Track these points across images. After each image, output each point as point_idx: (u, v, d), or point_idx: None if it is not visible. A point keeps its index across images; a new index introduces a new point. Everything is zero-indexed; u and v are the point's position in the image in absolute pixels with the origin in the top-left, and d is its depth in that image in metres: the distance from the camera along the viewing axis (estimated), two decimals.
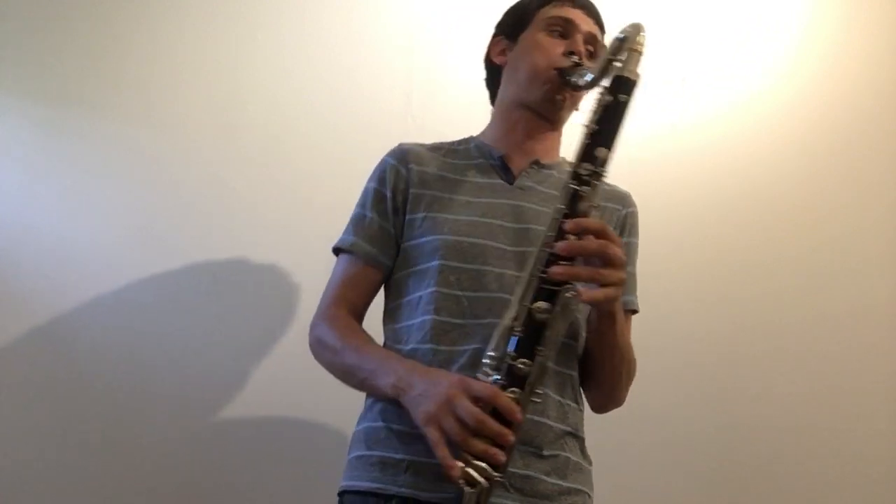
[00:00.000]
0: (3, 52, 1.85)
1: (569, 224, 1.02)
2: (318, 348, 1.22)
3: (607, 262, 1.02)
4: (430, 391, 1.01)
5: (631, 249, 1.31)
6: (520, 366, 0.98)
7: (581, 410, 1.22)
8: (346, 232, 1.28)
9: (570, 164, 1.33)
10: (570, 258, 1.01)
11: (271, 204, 1.87)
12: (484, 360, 1.02)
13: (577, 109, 1.35)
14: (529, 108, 1.29)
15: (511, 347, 1.00)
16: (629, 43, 1.09)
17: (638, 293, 1.34)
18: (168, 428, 1.73)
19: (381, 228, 1.25)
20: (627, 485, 1.83)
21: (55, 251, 1.78)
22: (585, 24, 1.30)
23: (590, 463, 1.22)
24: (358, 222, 1.27)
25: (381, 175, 1.28)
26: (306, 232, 1.83)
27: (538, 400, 1.02)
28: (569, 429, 1.16)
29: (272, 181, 1.88)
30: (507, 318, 1.01)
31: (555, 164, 1.32)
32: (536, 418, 1.10)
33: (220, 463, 1.74)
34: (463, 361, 1.11)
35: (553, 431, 1.13)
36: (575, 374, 1.20)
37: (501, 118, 1.33)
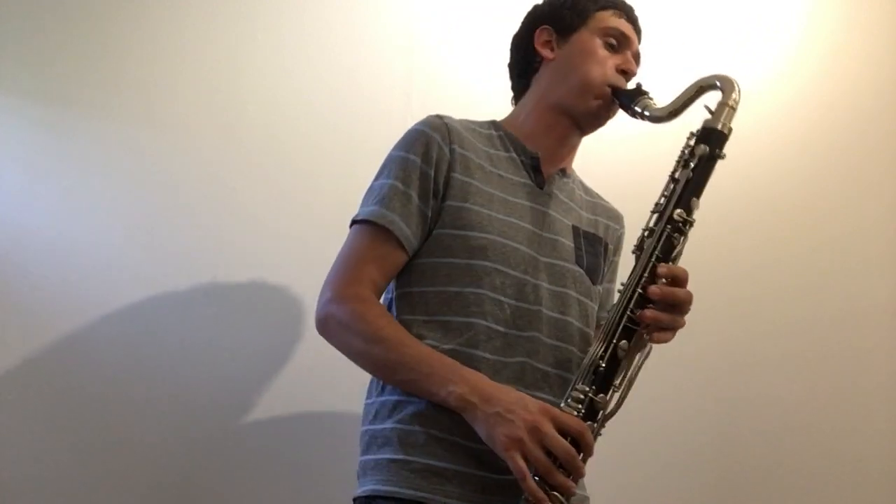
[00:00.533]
0: (3, 52, 1.85)
1: (663, 269, 1.05)
2: (338, 330, 1.11)
3: (681, 310, 1.07)
4: (511, 413, 0.97)
5: (615, 268, 1.37)
6: (599, 400, 1.01)
7: None
8: (377, 202, 1.14)
9: (597, 195, 1.38)
10: (652, 300, 1.05)
11: (271, 204, 1.87)
12: (572, 393, 1.03)
13: None
14: (572, 115, 1.26)
15: (589, 381, 1.03)
16: (724, 98, 1.14)
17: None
18: (168, 428, 1.73)
19: (419, 210, 1.13)
20: (628, 486, 1.83)
21: (55, 251, 1.78)
22: (636, 42, 1.31)
23: None
24: (394, 197, 1.13)
25: (425, 150, 1.15)
26: (306, 232, 1.83)
27: (600, 434, 1.05)
28: None
29: (272, 181, 1.88)
30: (593, 352, 1.03)
31: (572, 175, 1.34)
32: None
33: (220, 464, 1.74)
34: (507, 374, 1.09)
35: None
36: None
37: (538, 116, 1.28)
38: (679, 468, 1.86)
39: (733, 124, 1.17)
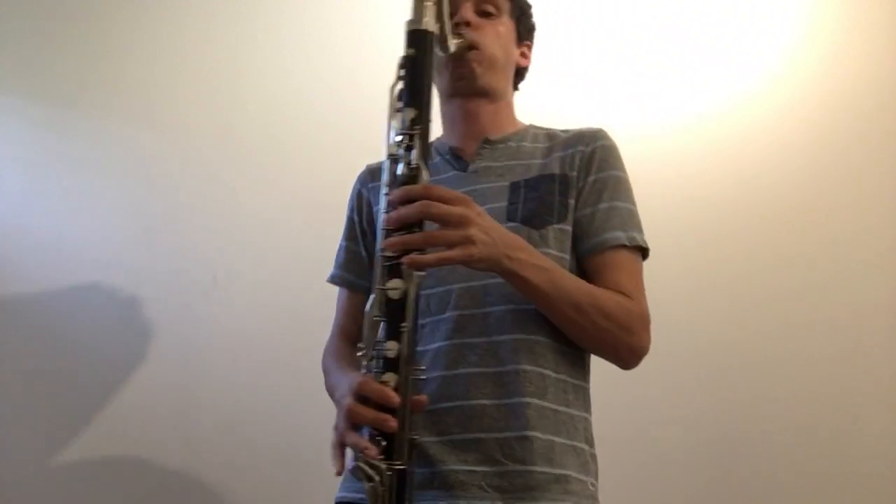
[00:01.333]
0: (3, 52, 1.85)
1: (391, 195, 0.98)
2: (324, 376, 1.24)
3: (441, 222, 0.96)
4: (339, 401, 1.02)
5: (608, 183, 1.18)
6: (388, 349, 0.95)
7: (572, 381, 1.12)
8: (333, 266, 1.31)
9: (562, 131, 1.25)
10: (406, 230, 0.96)
11: (271, 204, 1.87)
12: (358, 355, 0.99)
13: (523, 65, 1.31)
14: (450, 94, 1.25)
15: (382, 334, 0.97)
16: None
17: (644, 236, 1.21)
18: (168, 428, 1.73)
19: (352, 253, 1.27)
20: (628, 486, 1.83)
21: (55, 251, 1.78)
22: None
23: (588, 443, 1.12)
24: (338, 253, 1.30)
25: (350, 202, 1.30)
26: (306, 232, 1.83)
27: (423, 377, 0.99)
28: (552, 405, 1.08)
29: (272, 181, 1.88)
30: (368, 307, 0.98)
31: (510, 135, 1.26)
32: (508, 401, 1.05)
33: (221, 464, 1.74)
34: (437, 360, 1.09)
35: (532, 408, 1.05)
36: (548, 339, 1.10)
37: (441, 114, 1.28)
38: (680, 469, 1.86)
39: None
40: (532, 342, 1.09)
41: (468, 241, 0.96)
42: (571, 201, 1.16)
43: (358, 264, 1.27)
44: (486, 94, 1.25)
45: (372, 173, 1.29)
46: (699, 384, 1.90)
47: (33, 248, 1.78)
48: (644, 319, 1.14)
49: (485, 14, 1.23)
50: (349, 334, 1.26)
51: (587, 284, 1.10)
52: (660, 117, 2.02)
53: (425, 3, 1.03)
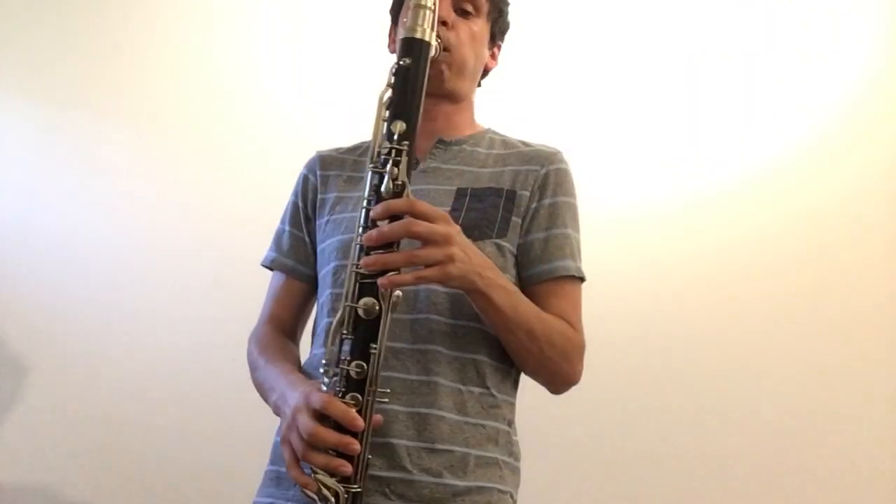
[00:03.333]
0: (3, 52, 1.85)
1: (373, 211, 0.93)
2: (249, 367, 1.21)
3: (423, 241, 0.93)
4: (286, 408, 0.98)
5: (560, 209, 1.16)
6: (355, 369, 0.92)
7: (498, 396, 1.10)
8: (269, 248, 1.26)
9: (521, 143, 1.21)
10: (385, 247, 0.93)
11: (271, 204, 1.86)
12: (320, 370, 0.95)
13: (491, 67, 1.27)
14: None
15: (346, 352, 0.93)
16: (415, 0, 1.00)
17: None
18: (167, 427, 1.73)
19: (295, 239, 1.23)
20: (625, 487, 1.83)
21: (55, 251, 1.78)
22: None
23: (511, 456, 1.11)
24: (276, 237, 1.26)
25: (295, 187, 1.28)
26: None
27: (385, 400, 0.95)
28: (470, 419, 1.06)
29: (272, 181, 1.88)
30: (335, 322, 0.94)
31: (466, 138, 1.23)
32: (424, 410, 1.03)
33: (219, 463, 1.74)
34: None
35: (447, 423, 1.03)
36: (482, 357, 1.08)
37: None
38: (678, 468, 1.86)
39: None
40: (458, 357, 1.07)
41: (449, 259, 0.94)
42: (516, 219, 1.14)
43: (300, 251, 1.22)
44: (449, 97, 1.22)
45: (322, 161, 1.27)
46: (698, 384, 1.90)
47: (33, 248, 1.78)
48: (582, 351, 1.13)
49: (462, 12, 1.19)
50: (280, 323, 1.22)
51: (539, 311, 1.09)
52: (660, 117, 2.02)
53: (423, 11, 1.00)
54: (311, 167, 1.28)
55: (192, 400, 1.76)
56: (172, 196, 1.85)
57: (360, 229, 0.95)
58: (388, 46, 1.33)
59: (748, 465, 1.88)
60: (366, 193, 0.97)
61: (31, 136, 1.83)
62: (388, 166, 0.95)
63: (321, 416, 0.92)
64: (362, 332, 0.93)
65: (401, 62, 0.99)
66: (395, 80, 0.99)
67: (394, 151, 0.96)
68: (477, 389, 1.08)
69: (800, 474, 1.87)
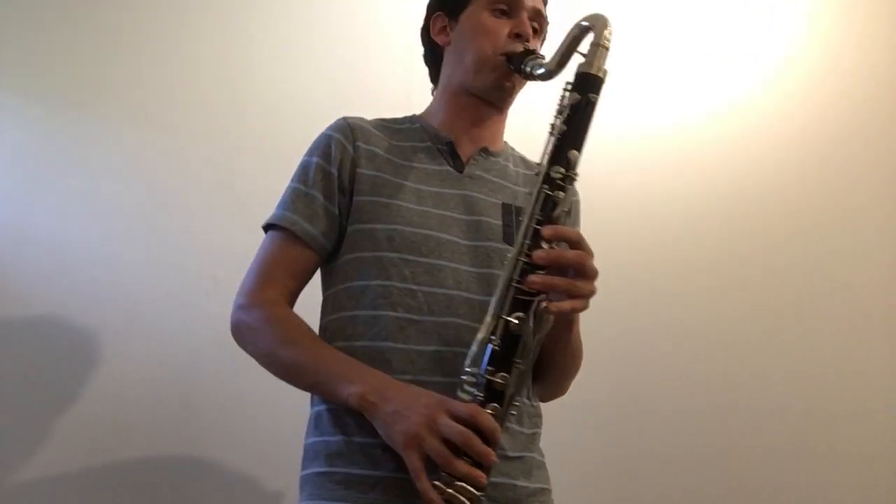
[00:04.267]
0: (3, 52, 1.85)
1: (547, 231, 0.97)
2: (248, 335, 1.14)
3: (582, 273, 0.97)
4: (408, 409, 0.95)
5: None
6: (498, 381, 0.95)
7: (537, 406, 1.18)
8: (282, 206, 1.18)
9: (537, 164, 1.23)
10: (544, 267, 0.97)
11: (271, 204, 1.86)
12: (462, 377, 0.97)
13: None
14: (476, 94, 1.22)
15: (487, 361, 0.95)
16: (596, 38, 1.04)
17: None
18: (167, 427, 1.73)
19: (325, 209, 1.15)
20: (625, 481, 1.83)
21: (55, 251, 1.78)
22: (528, 0, 1.21)
23: (542, 456, 1.18)
24: (298, 199, 1.16)
25: (325, 150, 1.18)
26: None
27: (515, 413, 0.99)
28: (525, 429, 1.12)
29: (272, 181, 1.87)
30: (483, 330, 0.96)
31: (501, 152, 1.26)
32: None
33: (219, 463, 1.74)
34: (422, 363, 1.05)
35: (510, 433, 1.07)
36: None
37: (447, 102, 1.26)
38: (678, 467, 1.86)
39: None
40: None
41: (592, 295, 0.99)
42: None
43: (329, 222, 1.15)
44: (504, 109, 1.27)
45: (359, 131, 1.20)
46: (698, 383, 1.91)
47: (32, 248, 1.77)
48: None
49: (534, 30, 1.23)
50: (287, 293, 1.14)
51: (579, 333, 1.16)
52: (659, 119, 2.02)
53: (603, 52, 1.05)
54: (344, 133, 1.19)
55: (192, 399, 1.75)
56: (172, 196, 1.85)
57: (525, 246, 0.98)
58: (436, 36, 1.28)
59: (749, 464, 1.88)
60: (535, 211, 0.99)
61: (28, 136, 1.83)
62: (561, 192, 1.00)
63: (462, 424, 0.93)
64: (509, 344, 0.96)
65: (590, 96, 1.03)
66: (574, 110, 1.03)
67: (568, 179, 1.01)
68: (527, 401, 1.14)
69: (800, 473, 1.87)
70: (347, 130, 1.19)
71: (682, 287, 1.95)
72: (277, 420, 1.76)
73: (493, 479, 1.02)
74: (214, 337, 1.79)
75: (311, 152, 1.20)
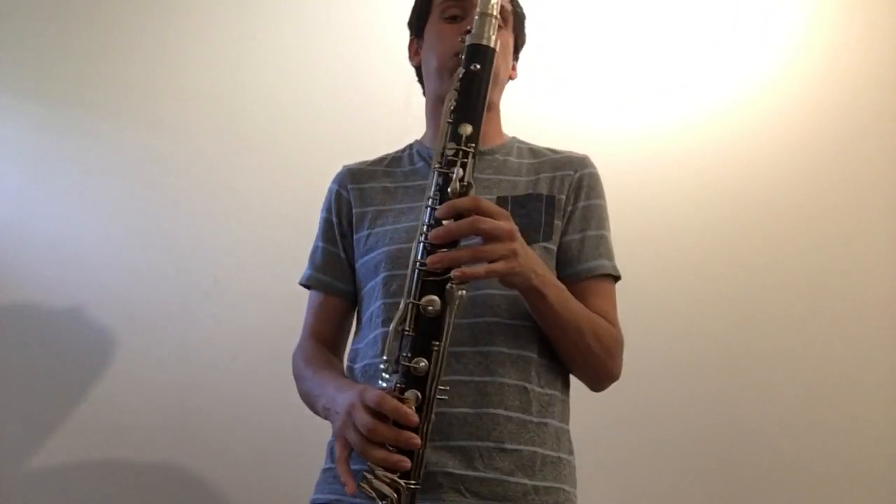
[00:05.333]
0: (3, 52, 1.85)
1: (439, 210, 0.96)
2: (295, 379, 1.24)
3: (488, 237, 0.95)
4: (340, 407, 0.99)
5: (593, 211, 1.22)
6: (414, 366, 0.93)
7: (555, 394, 1.14)
8: (306, 267, 1.29)
9: (549, 150, 1.26)
10: (449, 245, 0.95)
11: (271, 204, 1.87)
12: (380, 367, 0.97)
13: (513, 78, 1.31)
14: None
15: (406, 348, 0.95)
16: (482, 7, 1.03)
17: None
18: (167, 427, 1.73)
19: (330, 255, 1.26)
20: (626, 483, 1.83)
21: (55, 251, 1.78)
22: None
23: (571, 454, 1.15)
24: (312, 255, 1.29)
25: (327, 203, 1.29)
26: (306, 232, 1.82)
27: (444, 397, 0.96)
28: (534, 418, 1.09)
29: (272, 181, 1.88)
30: (396, 319, 0.96)
31: (499, 147, 1.27)
32: (492, 410, 1.06)
33: (219, 463, 1.74)
34: None
35: (513, 422, 1.07)
36: (534, 355, 1.12)
37: (431, 116, 1.29)
38: (678, 466, 1.86)
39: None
40: (518, 356, 1.11)
41: (513, 254, 0.97)
42: (558, 222, 1.19)
43: (336, 267, 1.25)
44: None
45: (353, 174, 1.28)
46: (697, 382, 1.90)
47: (33, 248, 1.77)
48: (622, 346, 1.18)
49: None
50: (322, 338, 1.25)
51: (586, 309, 1.13)
52: (658, 119, 2.02)
53: (489, 19, 1.03)
54: (341, 182, 1.29)
55: (192, 399, 1.75)
56: (172, 196, 1.85)
57: (425, 228, 0.97)
58: (411, 59, 1.34)
59: (747, 462, 1.88)
60: (430, 193, 0.99)
61: (29, 136, 1.83)
62: (455, 167, 0.97)
63: (376, 414, 0.93)
64: (424, 329, 0.95)
65: (471, 67, 1.01)
66: (462, 84, 1.01)
67: (460, 153, 0.98)
68: (538, 388, 1.11)
69: (800, 474, 1.87)
70: (344, 178, 1.29)
71: (682, 287, 1.95)
72: (276, 420, 1.76)
73: (479, 473, 1.04)
74: (214, 337, 1.79)
75: (322, 208, 1.31)
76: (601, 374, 1.16)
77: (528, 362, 1.11)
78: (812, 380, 1.91)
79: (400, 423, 0.92)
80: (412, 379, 0.94)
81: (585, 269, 1.17)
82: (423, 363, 0.93)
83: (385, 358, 0.96)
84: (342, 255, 1.25)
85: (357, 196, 1.25)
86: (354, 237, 1.23)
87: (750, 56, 2.07)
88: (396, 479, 0.91)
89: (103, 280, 1.78)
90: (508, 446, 1.06)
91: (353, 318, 1.28)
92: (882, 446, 1.89)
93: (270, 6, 1.96)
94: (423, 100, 1.34)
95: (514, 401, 1.08)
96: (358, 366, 1.17)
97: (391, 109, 1.90)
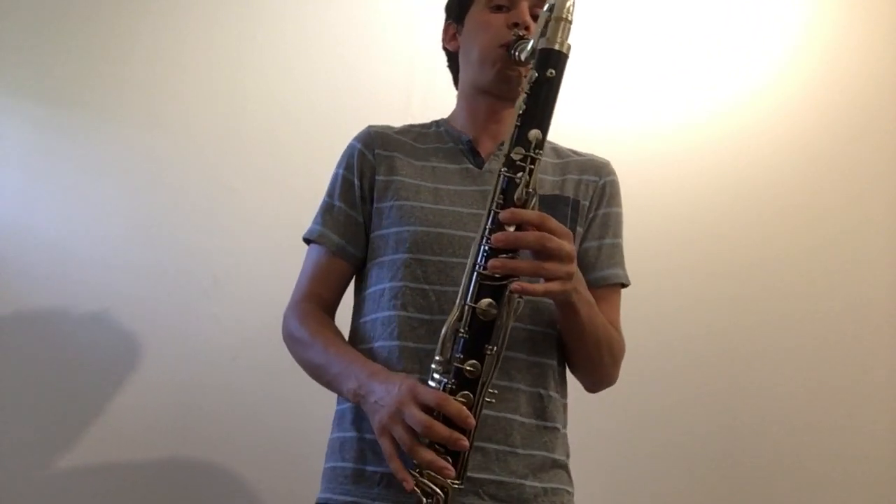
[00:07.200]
0: (3, 52, 1.85)
1: (504, 214, 0.95)
2: (290, 342, 1.19)
3: (549, 255, 0.96)
4: (383, 399, 0.97)
5: (612, 219, 1.24)
6: (468, 368, 0.94)
7: (564, 400, 1.17)
8: (314, 221, 1.23)
9: (571, 152, 1.26)
10: (509, 251, 0.95)
11: (271, 204, 1.87)
12: (431, 366, 0.97)
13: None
14: (487, 91, 1.22)
15: (458, 349, 0.95)
16: (556, 12, 1.02)
17: (629, 270, 1.24)
18: (167, 427, 1.73)
19: (348, 217, 1.20)
20: (626, 483, 1.83)
21: (55, 251, 1.78)
22: None
23: (569, 458, 1.17)
24: (326, 211, 1.22)
25: (348, 161, 1.23)
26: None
27: (492, 400, 0.97)
28: (547, 423, 1.11)
29: (272, 181, 1.88)
30: (451, 319, 0.96)
31: None
32: (508, 415, 1.07)
33: (219, 463, 1.74)
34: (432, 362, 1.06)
35: (526, 427, 1.08)
36: (555, 362, 1.14)
37: (465, 103, 1.28)
38: (678, 466, 1.86)
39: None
40: (536, 363, 1.12)
41: (569, 277, 0.98)
42: (580, 229, 1.20)
43: (351, 230, 1.19)
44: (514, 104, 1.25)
45: (382, 139, 1.23)
46: (697, 381, 1.90)
47: (33, 248, 1.77)
48: (623, 355, 1.20)
49: (534, 18, 1.20)
50: (321, 302, 1.20)
51: (605, 321, 1.14)
52: (658, 119, 2.02)
53: (564, 24, 1.02)
54: (365, 142, 1.24)
55: (192, 399, 1.75)
56: (172, 196, 1.85)
57: (486, 232, 0.97)
58: (447, 43, 1.31)
59: (746, 461, 1.88)
60: (495, 195, 0.98)
61: (29, 136, 1.83)
62: (522, 174, 0.97)
63: (428, 411, 0.93)
64: (478, 332, 0.95)
65: (547, 73, 1.00)
66: (533, 88, 1.01)
67: (528, 159, 0.98)
68: (553, 394, 1.13)
69: (800, 474, 1.87)
70: (369, 139, 1.24)
71: (682, 287, 1.95)
72: (276, 419, 1.76)
73: (498, 477, 1.04)
74: (214, 336, 1.79)
75: (338, 164, 1.26)
76: (604, 381, 1.20)
77: (545, 369, 1.12)
78: (812, 380, 1.91)
79: (452, 423, 0.92)
80: (464, 380, 0.94)
81: (601, 278, 1.19)
82: (476, 366, 0.94)
83: (439, 358, 0.96)
84: (360, 219, 1.20)
85: (383, 162, 1.20)
86: (375, 205, 1.19)
87: (750, 56, 2.07)
88: (444, 481, 0.92)
89: (103, 280, 1.78)
90: (520, 451, 1.07)
91: (348, 285, 1.23)
92: (882, 446, 1.89)
93: (270, 6, 1.96)
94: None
95: (528, 407, 1.10)
96: (373, 346, 1.12)
97: (391, 110, 1.90)
